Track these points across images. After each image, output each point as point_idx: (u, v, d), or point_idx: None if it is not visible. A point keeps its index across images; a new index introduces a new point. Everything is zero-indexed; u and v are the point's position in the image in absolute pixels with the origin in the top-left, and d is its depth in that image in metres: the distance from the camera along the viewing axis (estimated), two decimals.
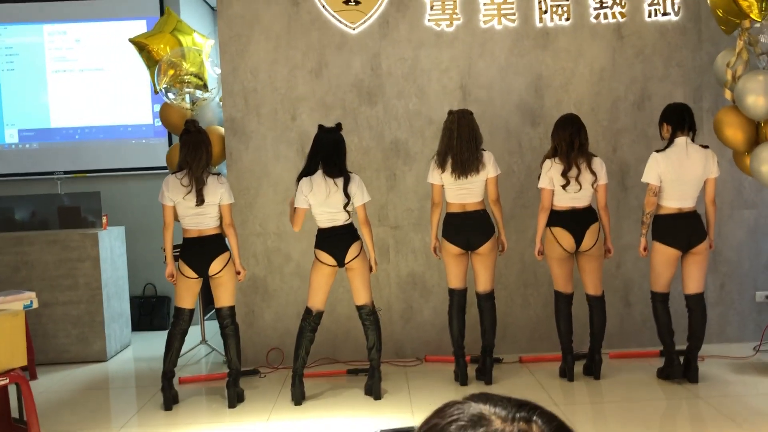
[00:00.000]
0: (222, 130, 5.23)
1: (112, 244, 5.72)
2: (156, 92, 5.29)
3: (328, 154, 4.15)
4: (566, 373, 4.41)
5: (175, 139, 6.16)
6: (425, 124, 5.08)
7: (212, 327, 6.05)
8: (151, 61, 5.21)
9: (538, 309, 5.14)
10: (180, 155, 4.23)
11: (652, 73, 5.09)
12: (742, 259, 5.14)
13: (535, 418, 0.72)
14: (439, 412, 0.75)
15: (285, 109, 5.10)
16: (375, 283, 5.15)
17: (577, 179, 4.26)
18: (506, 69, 5.10)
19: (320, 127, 4.28)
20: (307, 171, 4.18)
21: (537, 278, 5.13)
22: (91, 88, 6.62)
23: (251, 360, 5.07)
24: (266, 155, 5.12)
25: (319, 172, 4.14)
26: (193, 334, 5.60)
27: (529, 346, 5.09)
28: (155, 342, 5.63)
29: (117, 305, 5.75)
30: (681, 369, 4.22)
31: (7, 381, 3.37)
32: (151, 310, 6.52)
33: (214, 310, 6.99)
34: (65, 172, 6.55)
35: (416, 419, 3.89)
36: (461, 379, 4.41)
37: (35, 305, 4.00)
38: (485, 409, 0.73)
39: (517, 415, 0.72)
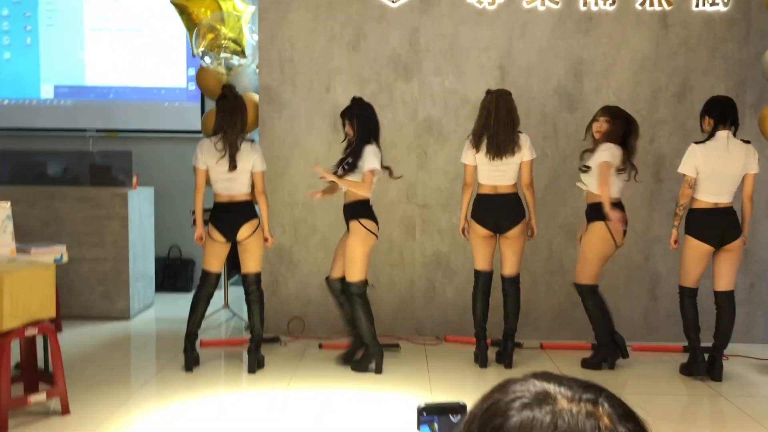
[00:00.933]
0: (256, 97, 5.21)
1: (140, 205, 5.76)
2: (194, 55, 5.28)
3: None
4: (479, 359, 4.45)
5: (209, 104, 6.17)
6: (460, 103, 5.02)
7: (235, 292, 6.10)
8: (191, 24, 5.19)
9: (562, 296, 5.10)
10: (216, 120, 4.23)
11: (696, 65, 4.98)
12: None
13: (601, 400, 0.70)
14: (501, 388, 0.73)
15: (320, 80, 5.07)
16: (399, 261, 5.15)
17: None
18: (546, 51, 5.01)
19: None
20: None
21: (563, 266, 5.09)
22: (127, 47, 6.63)
23: (273, 328, 5.10)
24: (299, 125, 5.11)
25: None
26: (216, 298, 5.64)
27: (551, 332, 5.06)
28: (178, 304, 5.68)
29: (142, 265, 5.81)
30: (705, 366, 4.18)
31: (36, 331, 3.42)
32: (175, 272, 6.58)
33: (237, 276, 7.06)
34: (98, 130, 6.59)
35: (434, 397, 3.90)
36: (481, 361, 4.41)
37: (65, 259, 4.05)
38: (550, 387, 0.71)
39: (584, 396, 0.70)
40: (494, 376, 4.30)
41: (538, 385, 0.71)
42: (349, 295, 4.28)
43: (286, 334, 5.02)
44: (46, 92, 6.69)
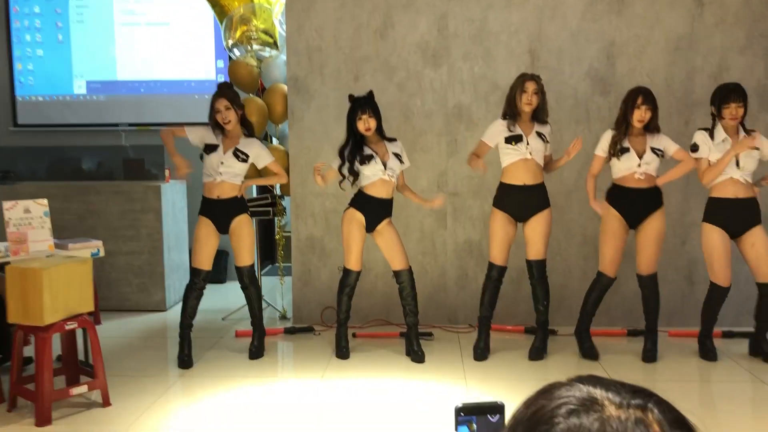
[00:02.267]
0: (285, 88, 5.22)
1: (173, 198, 5.83)
2: (226, 48, 5.30)
3: None
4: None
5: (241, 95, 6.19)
6: (490, 89, 4.96)
7: (269, 282, 6.16)
8: (223, 16, 5.21)
9: None
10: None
11: (733, 44, 4.85)
12: None
13: (650, 405, 0.67)
14: (545, 393, 0.71)
15: (348, 69, 5.05)
16: (431, 249, 5.13)
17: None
18: (577, 34, 4.92)
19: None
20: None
21: (597, 252, 5.01)
22: (157, 42, 6.68)
23: (306, 318, 5.14)
24: (328, 115, 5.10)
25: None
26: None
27: None
28: (213, 295, 5.74)
29: (177, 257, 5.88)
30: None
31: (76, 325, 3.48)
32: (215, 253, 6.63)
33: (270, 266, 7.12)
34: (130, 125, 6.67)
35: (469, 385, 3.89)
36: (481, 354, 4.35)
37: (102, 254, 4.12)
38: (596, 392, 0.69)
39: (632, 401, 0.67)
40: (527, 366, 4.27)
41: (585, 390, 0.69)
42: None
43: (320, 323, 5.05)
44: (79, 88, 6.78)
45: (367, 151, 4.19)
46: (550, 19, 4.93)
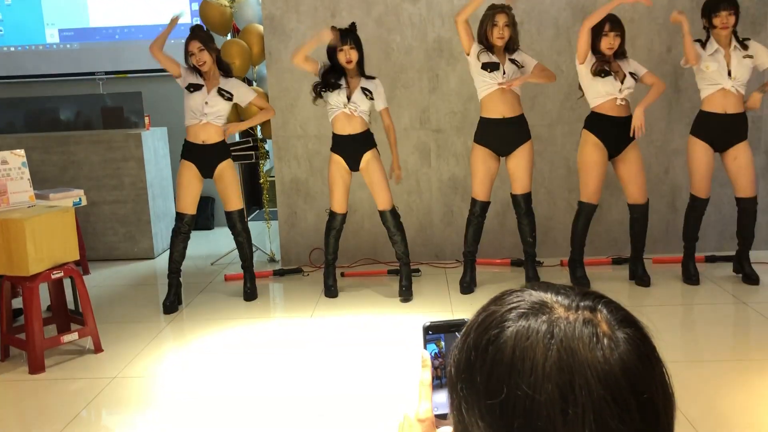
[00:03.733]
0: (261, 28, 5.11)
1: (155, 145, 5.77)
2: None
3: None
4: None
5: (217, 40, 6.06)
6: (471, 21, 4.86)
7: (256, 227, 6.17)
8: None
9: None
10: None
11: None
12: None
13: (600, 307, 0.68)
14: (497, 300, 0.72)
15: (325, 6, 4.94)
16: (416, 187, 5.13)
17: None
18: None
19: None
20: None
21: None
22: None
23: (294, 260, 5.17)
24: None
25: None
26: None
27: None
28: (200, 240, 5.76)
29: (162, 204, 5.86)
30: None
31: (62, 274, 3.49)
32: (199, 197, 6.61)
33: (258, 210, 7.12)
34: (106, 73, 6.54)
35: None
36: (468, 287, 4.41)
37: (84, 202, 4.09)
38: (546, 296, 0.70)
39: (581, 303, 0.68)
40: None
41: (535, 295, 0.70)
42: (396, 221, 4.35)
43: (308, 264, 5.08)
44: (51, 37, 6.62)
45: (338, 79, 4.10)
46: None
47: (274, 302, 4.68)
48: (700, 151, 4.18)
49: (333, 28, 4.05)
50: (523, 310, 0.68)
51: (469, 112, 4.92)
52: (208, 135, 4.24)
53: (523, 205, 4.32)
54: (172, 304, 4.27)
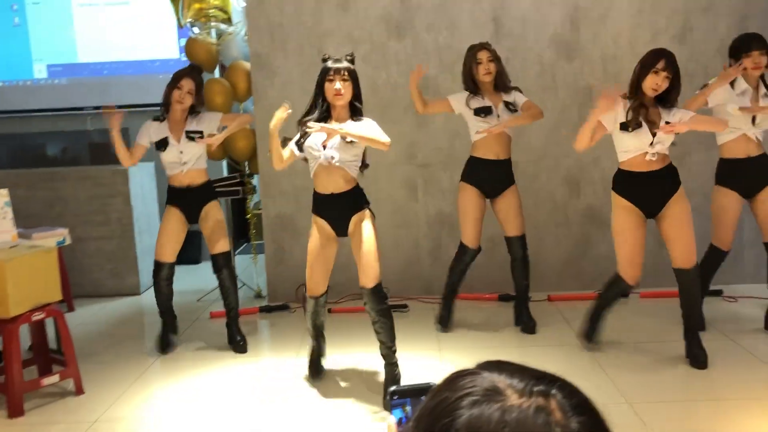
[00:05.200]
0: (248, 65, 5.14)
1: (142, 180, 5.76)
2: (181, 26, 5.21)
3: None
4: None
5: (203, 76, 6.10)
6: (456, 59, 4.90)
7: (243, 261, 6.14)
8: None
9: (568, 247, 5.08)
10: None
11: (695, 4, 4.84)
12: None
13: (554, 391, 0.67)
14: (449, 384, 0.70)
15: (311, 44, 4.99)
16: (403, 221, 5.13)
17: None
18: (540, 0, 4.89)
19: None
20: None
21: (568, 217, 5.06)
22: (117, 22, 6.54)
23: (281, 296, 5.14)
24: (293, 91, 5.03)
25: None
26: None
27: (558, 284, 5.06)
28: (187, 275, 5.72)
29: (149, 240, 5.81)
30: None
31: (44, 315, 3.45)
32: (182, 244, 6.59)
33: (245, 244, 7.09)
34: (94, 108, 6.55)
35: (443, 356, 3.93)
36: (446, 323, 4.33)
37: (68, 241, 4.07)
38: (500, 381, 0.68)
39: (535, 388, 0.67)
40: (501, 334, 4.31)
41: (488, 379, 0.69)
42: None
43: (295, 301, 5.05)
44: (39, 72, 6.64)
45: (321, 119, 3.29)
46: None
47: (260, 340, 4.64)
48: (728, 200, 3.91)
49: (285, 103, 3.40)
50: (475, 398, 0.67)
51: (455, 148, 4.94)
52: (192, 179, 4.09)
53: (519, 247, 4.19)
54: (170, 342, 4.18)
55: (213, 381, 3.73)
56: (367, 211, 3.37)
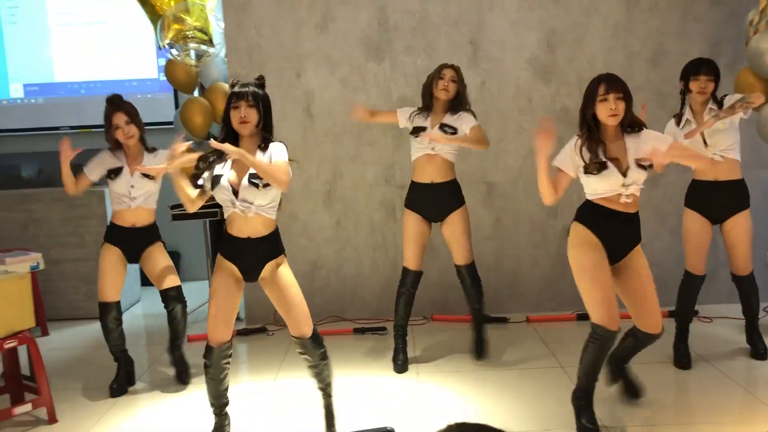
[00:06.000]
0: (226, 87, 5.13)
1: None
2: (160, 48, 5.19)
3: None
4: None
5: (182, 95, 6.08)
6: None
7: None
8: (155, 16, 5.09)
9: (546, 269, 5.11)
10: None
11: (668, 29, 4.93)
12: (756, 220, 5.05)
13: None
14: None
15: (290, 66, 5.00)
16: (381, 243, 5.13)
17: None
18: (517, 23, 4.95)
19: None
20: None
21: (546, 238, 5.09)
22: (95, 41, 6.51)
23: (260, 318, 5.10)
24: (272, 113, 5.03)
25: None
26: (203, 290, 5.64)
27: (537, 305, 5.08)
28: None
29: None
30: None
31: (16, 343, 3.39)
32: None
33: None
34: (71, 127, 6.50)
35: (420, 379, 3.92)
36: (402, 366, 4.06)
37: (42, 266, 3.98)
38: None
39: None
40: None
41: None
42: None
43: (273, 323, 5.02)
44: (16, 91, 6.58)
45: (222, 169, 2.87)
46: (488, 9, 4.94)
47: (238, 364, 4.59)
48: (693, 223, 3.85)
49: (178, 135, 3.13)
50: None
51: None
52: (138, 218, 3.85)
53: (467, 276, 4.03)
54: (119, 387, 3.89)
55: (190, 406, 3.69)
56: (283, 257, 3.02)
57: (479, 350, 4.20)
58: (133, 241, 3.89)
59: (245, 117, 2.84)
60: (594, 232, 3.02)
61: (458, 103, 3.89)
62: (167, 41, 4.95)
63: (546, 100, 4.98)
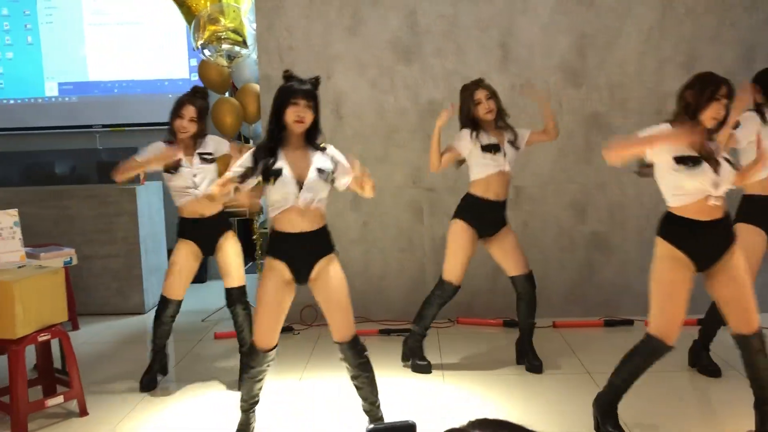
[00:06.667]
0: (257, 87, 5.19)
1: (149, 199, 5.79)
2: (194, 49, 5.26)
3: None
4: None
5: (212, 96, 6.15)
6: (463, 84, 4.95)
7: (248, 281, 6.13)
8: (190, 17, 5.16)
9: (573, 273, 5.08)
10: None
11: (703, 33, 4.88)
12: None
13: None
14: None
15: (320, 68, 5.03)
16: (408, 245, 5.14)
17: None
18: (548, 27, 4.93)
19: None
20: None
21: (573, 243, 5.06)
22: (128, 41, 6.62)
23: (286, 317, 5.12)
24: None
25: None
26: None
27: (563, 310, 5.05)
28: (191, 295, 5.71)
29: (154, 259, 5.85)
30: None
31: (49, 336, 3.46)
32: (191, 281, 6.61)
33: (251, 263, 7.10)
34: (103, 126, 6.61)
35: (446, 380, 3.92)
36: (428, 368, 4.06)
37: (74, 262, 4.08)
38: None
39: None
40: (504, 359, 4.30)
41: None
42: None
43: (299, 322, 5.05)
44: (51, 90, 6.71)
45: (279, 163, 2.84)
46: (521, 13, 4.93)
47: None
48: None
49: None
50: None
51: (461, 172, 4.93)
52: (205, 207, 3.82)
53: (528, 283, 3.95)
54: (150, 380, 3.93)
55: (217, 402, 3.73)
56: (334, 256, 2.99)
57: (535, 365, 4.02)
58: (205, 233, 3.86)
59: (303, 117, 2.83)
60: (678, 247, 2.89)
61: (502, 115, 3.88)
62: (201, 42, 5.01)
63: (575, 104, 4.95)
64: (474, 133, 3.84)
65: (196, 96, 3.83)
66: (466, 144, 3.85)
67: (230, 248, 3.91)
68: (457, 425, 0.73)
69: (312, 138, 2.91)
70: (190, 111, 3.77)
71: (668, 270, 2.90)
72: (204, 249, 3.92)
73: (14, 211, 3.76)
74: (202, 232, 3.86)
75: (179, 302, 3.92)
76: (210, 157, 3.84)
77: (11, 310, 3.25)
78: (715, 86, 2.80)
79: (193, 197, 3.81)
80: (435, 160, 3.85)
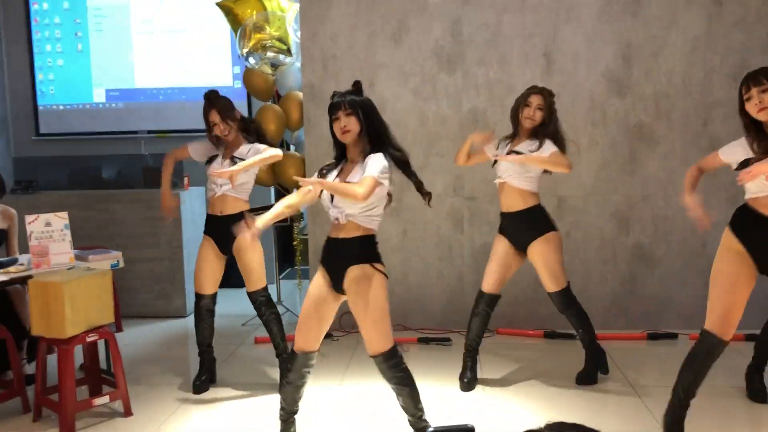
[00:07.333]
0: (301, 95, 5.24)
1: (192, 204, 5.89)
2: (240, 56, 5.34)
3: None
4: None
5: (256, 102, 6.24)
6: (505, 93, 4.94)
7: (286, 287, 6.19)
8: (237, 25, 5.25)
9: (615, 285, 5.01)
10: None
11: (753, 43, 4.78)
12: None
13: None
14: None
15: (364, 76, 5.06)
16: (448, 254, 5.13)
17: None
18: (593, 36, 4.89)
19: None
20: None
21: (615, 254, 4.99)
22: (174, 49, 6.75)
23: None
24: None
25: None
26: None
27: (605, 322, 4.98)
28: (232, 299, 5.80)
29: None
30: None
31: (97, 337, 3.54)
32: (228, 268, 6.69)
33: (289, 269, 7.16)
34: (149, 132, 6.75)
35: (486, 393, 3.89)
36: (469, 385, 3.96)
37: (121, 264, 4.16)
38: None
39: None
40: (543, 370, 4.26)
41: None
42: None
43: (338, 329, 5.07)
44: (98, 96, 6.88)
45: (330, 177, 2.96)
46: (564, 22, 4.90)
47: None
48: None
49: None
50: None
51: None
52: (225, 205, 3.89)
53: (557, 303, 3.90)
54: (202, 384, 3.99)
55: (257, 406, 3.76)
56: (371, 267, 2.86)
57: (590, 375, 3.98)
58: (221, 231, 3.86)
59: (345, 126, 2.88)
60: (741, 240, 2.89)
61: (544, 130, 3.69)
62: (247, 50, 5.09)
63: (620, 114, 4.90)
64: (500, 142, 3.87)
65: (210, 101, 3.87)
66: (492, 149, 3.89)
67: (248, 252, 3.89)
68: (534, 427, 0.73)
69: (378, 145, 2.90)
70: (214, 115, 3.83)
71: (726, 264, 2.89)
72: (221, 247, 3.96)
73: (64, 214, 3.86)
74: (220, 229, 3.90)
75: (210, 296, 3.99)
76: (238, 161, 3.86)
77: (61, 310, 3.33)
78: (740, 90, 2.88)
79: (213, 194, 3.92)
80: (460, 155, 3.92)
